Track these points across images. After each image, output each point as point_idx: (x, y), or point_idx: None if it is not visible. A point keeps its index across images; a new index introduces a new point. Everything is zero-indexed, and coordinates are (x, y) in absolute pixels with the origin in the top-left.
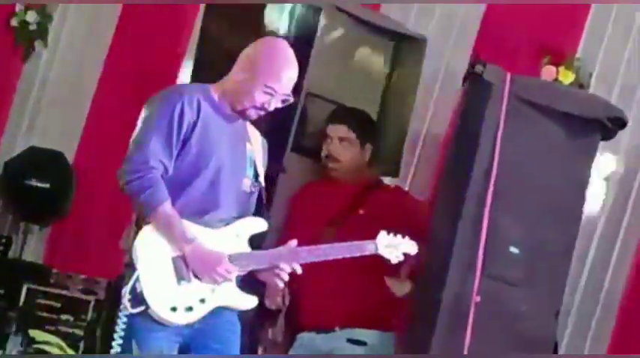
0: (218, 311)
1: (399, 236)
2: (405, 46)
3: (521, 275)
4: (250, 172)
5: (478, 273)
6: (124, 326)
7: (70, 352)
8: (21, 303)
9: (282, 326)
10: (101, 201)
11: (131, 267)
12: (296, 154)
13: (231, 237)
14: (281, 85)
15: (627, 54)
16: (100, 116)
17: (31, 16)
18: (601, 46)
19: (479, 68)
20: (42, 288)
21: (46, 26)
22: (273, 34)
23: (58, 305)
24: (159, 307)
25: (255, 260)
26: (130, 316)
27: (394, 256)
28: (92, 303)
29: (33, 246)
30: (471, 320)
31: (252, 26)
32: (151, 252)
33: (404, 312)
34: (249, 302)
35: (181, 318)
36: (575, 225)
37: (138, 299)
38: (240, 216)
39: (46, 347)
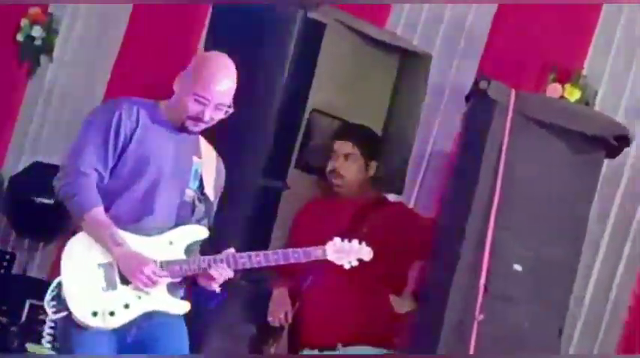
0: (152, 316)
1: (354, 241)
2: (410, 62)
3: (524, 293)
4: (194, 184)
5: (481, 291)
6: (50, 331)
7: None
8: (23, 319)
9: (285, 343)
10: None
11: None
12: (300, 171)
13: (164, 244)
14: (212, 93)
15: (633, 71)
16: None
17: (37, 31)
18: (607, 64)
19: (483, 85)
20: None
21: (52, 41)
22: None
23: None
24: (79, 311)
25: (186, 266)
26: (58, 322)
27: (346, 262)
28: None
29: (37, 263)
30: (473, 338)
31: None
32: (76, 258)
33: (407, 330)
34: (179, 307)
35: (102, 322)
36: (580, 241)
37: (61, 304)
38: (178, 225)
39: None
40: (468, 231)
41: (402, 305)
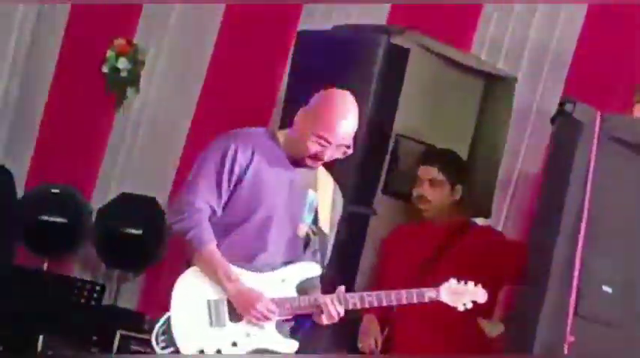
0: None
1: (469, 283)
2: (495, 86)
3: (614, 315)
4: (309, 218)
5: (571, 313)
6: None
7: None
8: (114, 350)
9: None
10: None
11: None
12: (386, 196)
13: (277, 281)
14: (334, 135)
15: None
16: (193, 160)
17: (122, 63)
18: None
19: (568, 107)
20: (135, 335)
21: (137, 72)
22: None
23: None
24: (186, 348)
25: (297, 303)
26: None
27: (460, 304)
28: None
29: (127, 293)
30: None
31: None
32: (188, 293)
33: (497, 354)
34: (288, 346)
35: None
36: None
37: (169, 340)
38: (290, 262)
39: None
40: (557, 253)
41: (492, 328)
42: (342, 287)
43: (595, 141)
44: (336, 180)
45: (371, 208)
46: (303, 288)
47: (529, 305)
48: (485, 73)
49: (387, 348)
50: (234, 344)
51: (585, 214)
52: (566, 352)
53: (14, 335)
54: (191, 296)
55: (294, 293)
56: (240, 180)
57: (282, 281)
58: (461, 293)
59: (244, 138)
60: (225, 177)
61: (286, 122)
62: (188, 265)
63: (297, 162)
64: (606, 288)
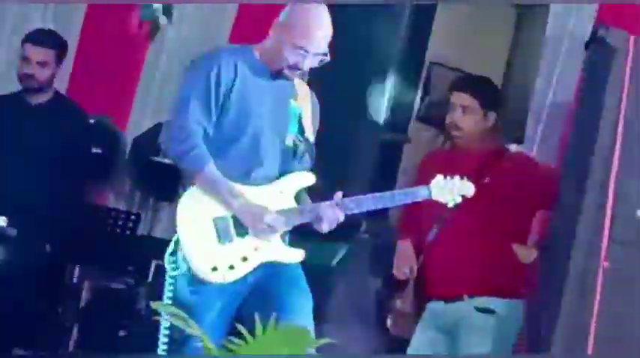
0: (270, 267)
1: (455, 178)
2: (527, 12)
3: None
4: (294, 128)
5: (605, 239)
6: (171, 288)
7: (193, 325)
8: (149, 280)
9: (410, 296)
10: None
11: None
12: (420, 124)
13: (276, 193)
14: (312, 44)
15: None
16: None
17: None
18: None
19: (602, 32)
20: None
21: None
22: None
23: None
24: (200, 267)
25: (300, 214)
26: (176, 279)
27: (450, 199)
28: None
29: (162, 222)
30: (599, 286)
31: None
32: (192, 214)
33: (532, 280)
34: (294, 255)
35: (223, 277)
36: None
37: (180, 261)
38: (284, 172)
39: (172, 319)
40: (591, 178)
41: (527, 255)
42: (340, 193)
43: (629, 66)
44: (369, 106)
45: (405, 135)
46: (299, 198)
47: (563, 230)
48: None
49: (423, 274)
50: (245, 259)
51: (619, 139)
52: (601, 278)
53: (50, 265)
54: (195, 215)
55: (293, 204)
56: (227, 97)
57: (280, 193)
58: (450, 189)
59: (226, 55)
60: (213, 95)
61: None
62: (183, 187)
63: (275, 73)
64: None
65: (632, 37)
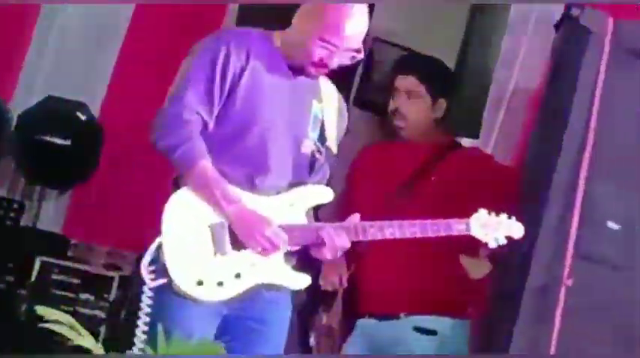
0: (263, 291)
1: (502, 215)
2: None
3: (620, 256)
4: (314, 133)
5: (570, 252)
6: (149, 302)
7: (85, 334)
8: (33, 279)
9: (338, 311)
10: (131, 162)
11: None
12: (360, 110)
13: (284, 206)
14: (342, 39)
15: None
16: (132, 62)
17: None
18: None
19: (575, 11)
20: (58, 262)
21: None
22: None
23: (77, 281)
24: (182, 280)
25: (307, 233)
26: (157, 291)
27: (492, 239)
28: (117, 280)
29: (50, 214)
30: (560, 307)
31: None
32: (182, 217)
33: (481, 297)
34: (299, 281)
35: (208, 294)
36: None
37: (160, 270)
38: (297, 183)
39: (56, 327)
40: (556, 181)
41: (476, 268)
42: (357, 216)
43: (605, 52)
44: None
45: None
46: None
47: (521, 241)
48: None
49: (354, 287)
50: (238, 276)
51: (590, 138)
52: (562, 296)
53: None
54: (186, 220)
55: (304, 220)
56: (233, 88)
57: (290, 206)
58: (493, 227)
59: (237, 39)
60: (217, 83)
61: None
62: (176, 186)
63: (296, 69)
64: (612, 224)
65: (610, 19)
